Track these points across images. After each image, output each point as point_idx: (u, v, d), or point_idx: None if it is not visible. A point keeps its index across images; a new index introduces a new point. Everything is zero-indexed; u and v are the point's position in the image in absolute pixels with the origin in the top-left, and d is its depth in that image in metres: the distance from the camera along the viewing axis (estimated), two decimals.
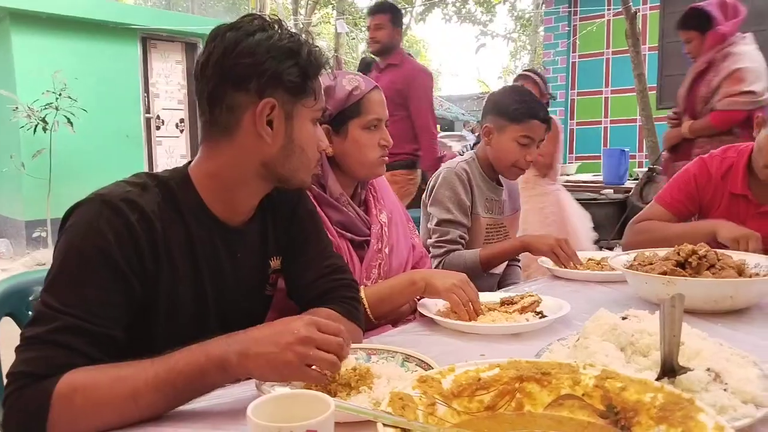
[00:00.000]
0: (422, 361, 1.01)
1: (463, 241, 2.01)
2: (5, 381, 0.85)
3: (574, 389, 0.79)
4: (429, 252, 1.98)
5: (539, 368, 0.82)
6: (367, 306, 1.39)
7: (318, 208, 1.41)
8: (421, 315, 1.41)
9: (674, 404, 0.70)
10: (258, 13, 1.08)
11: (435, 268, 1.93)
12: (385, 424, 0.66)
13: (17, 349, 0.87)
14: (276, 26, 1.05)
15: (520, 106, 2.02)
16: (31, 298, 1.27)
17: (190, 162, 1.10)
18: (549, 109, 2.43)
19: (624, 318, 1.00)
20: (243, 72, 1.01)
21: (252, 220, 1.14)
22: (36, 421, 0.81)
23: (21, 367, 0.84)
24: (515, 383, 0.81)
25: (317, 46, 1.08)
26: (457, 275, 1.42)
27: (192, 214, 1.04)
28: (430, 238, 2.03)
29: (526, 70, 4.00)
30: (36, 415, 0.81)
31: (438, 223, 2.02)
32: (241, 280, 1.11)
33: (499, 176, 2.16)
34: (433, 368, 0.91)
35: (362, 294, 1.38)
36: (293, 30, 1.08)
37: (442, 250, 1.98)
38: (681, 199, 1.98)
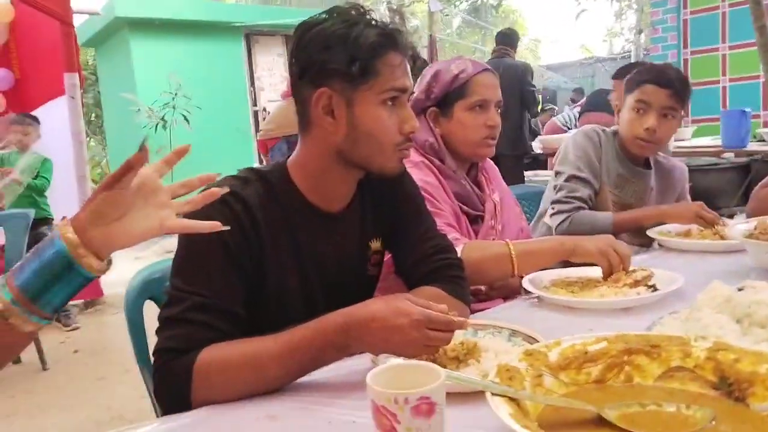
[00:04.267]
0: (529, 336, 1.03)
1: (591, 202, 1.92)
2: (152, 358, 0.98)
3: (684, 361, 0.79)
4: (552, 209, 1.92)
5: (648, 341, 0.82)
6: (514, 256, 1.40)
7: (439, 180, 1.52)
8: (527, 291, 1.42)
9: None
10: (347, 4, 1.09)
11: (559, 225, 1.87)
12: (493, 393, 0.70)
13: (157, 331, 0.99)
14: (358, 14, 1.06)
15: (637, 75, 1.93)
16: (167, 283, 1.41)
17: (288, 156, 1.17)
18: None
19: (740, 289, 0.97)
20: (302, 65, 1.07)
21: (351, 205, 1.19)
22: (181, 392, 0.92)
23: (164, 344, 0.96)
24: (623, 356, 0.82)
25: (375, 25, 1.06)
26: (606, 238, 1.40)
27: (290, 204, 1.11)
28: (556, 195, 1.94)
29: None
30: (181, 387, 0.92)
31: (567, 179, 1.93)
32: (343, 263, 1.17)
33: (650, 160, 2.05)
34: (539, 342, 0.92)
35: (510, 246, 1.41)
36: (385, 15, 1.11)
37: (571, 206, 1.87)
38: None
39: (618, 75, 4.51)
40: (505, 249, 1.42)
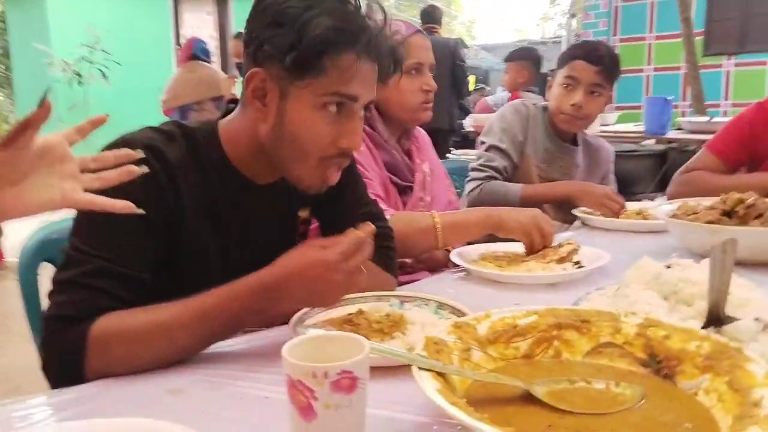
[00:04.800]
0: (456, 309, 1.00)
1: (506, 174, 1.95)
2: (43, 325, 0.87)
3: (614, 337, 0.77)
4: (468, 177, 1.95)
5: (578, 316, 0.80)
6: (440, 229, 1.37)
7: (369, 149, 1.45)
8: (455, 264, 1.40)
9: (721, 353, 0.68)
10: None
11: (471, 192, 1.90)
12: (420, 368, 0.65)
13: (50, 294, 0.88)
14: None
15: (568, 49, 1.96)
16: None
17: (220, 117, 1.06)
18: None
19: (667, 267, 0.97)
20: (247, 35, 0.96)
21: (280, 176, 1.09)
22: (73, 364, 0.82)
23: (55, 311, 0.85)
24: (553, 330, 0.80)
25: (338, 14, 0.90)
26: (531, 212, 1.39)
27: (215, 170, 1.00)
28: (474, 163, 1.98)
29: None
30: (73, 359, 0.82)
31: (487, 149, 1.97)
32: (269, 234, 1.08)
33: (578, 138, 2.07)
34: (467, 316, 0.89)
35: (436, 218, 1.37)
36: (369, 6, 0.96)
37: (484, 174, 1.91)
38: (733, 146, 1.88)
39: (509, 58, 4.81)
40: (430, 221, 1.38)
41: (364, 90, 0.95)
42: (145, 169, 0.78)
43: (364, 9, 0.95)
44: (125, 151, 0.78)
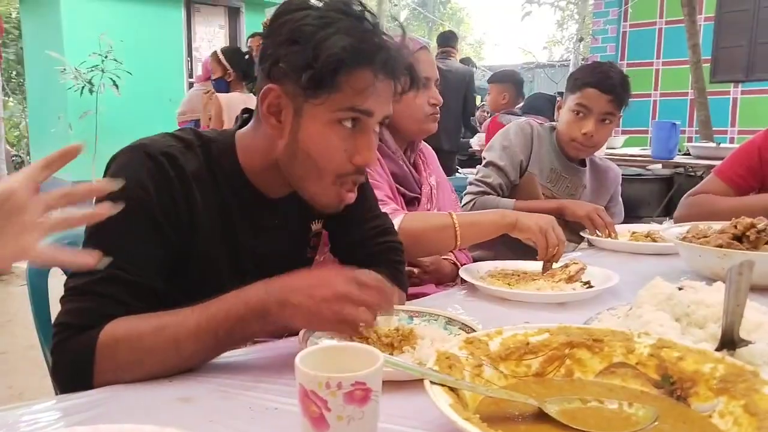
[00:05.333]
0: (465, 324, 0.99)
1: (502, 191, 1.97)
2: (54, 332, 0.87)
3: (627, 357, 0.77)
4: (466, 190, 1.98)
5: (591, 334, 0.80)
6: (457, 227, 1.38)
7: (378, 159, 1.45)
8: (463, 281, 1.39)
9: (736, 376, 0.67)
10: None
11: (464, 206, 1.93)
12: (432, 382, 0.65)
13: (61, 300, 0.88)
14: (335, 8, 0.91)
15: (581, 75, 1.95)
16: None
17: (243, 125, 1.05)
18: None
19: (680, 288, 0.96)
20: (263, 50, 0.95)
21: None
22: (82, 370, 0.82)
23: (65, 318, 0.85)
24: (565, 349, 0.79)
25: (354, 33, 0.89)
26: (545, 217, 1.39)
27: (229, 182, 1.00)
28: (472, 177, 2.01)
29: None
30: (82, 365, 0.82)
31: (485, 165, 2.00)
32: (280, 246, 1.08)
33: (586, 159, 2.07)
34: (476, 332, 0.88)
35: (453, 218, 1.39)
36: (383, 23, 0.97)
37: (478, 189, 1.95)
38: (742, 172, 1.86)
39: (491, 80, 4.99)
40: (448, 219, 1.39)
41: (380, 106, 0.94)
42: (118, 207, 0.73)
43: (383, 26, 0.96)
44: (99, 186, 0.74)
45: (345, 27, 0.89)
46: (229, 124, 4.05)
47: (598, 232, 1.81)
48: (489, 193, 1.94)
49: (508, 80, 5.02)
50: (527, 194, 1.99)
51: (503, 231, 1.41)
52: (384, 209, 1.32)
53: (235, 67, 4.16)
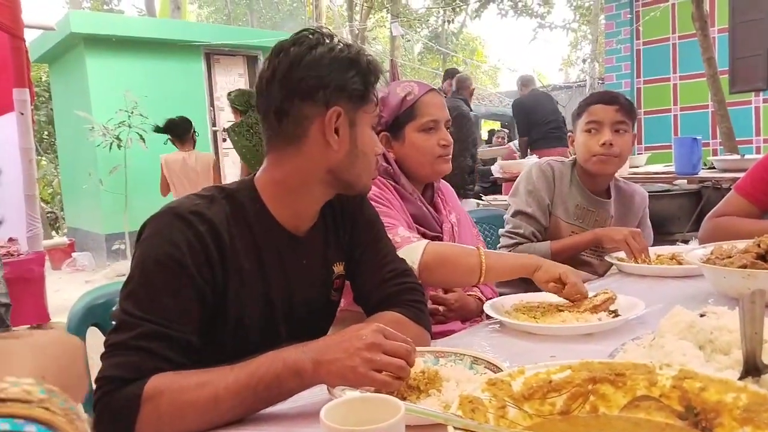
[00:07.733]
0: (491, 363, 1.00)
1: (536, 239, 1.96)
2: (94, 386, 0.90)
3: (650, 390, 0.77)
4: (500, 242, 1.98)
5: (613, 369, 0.80)
6: (482, 253, 1.41)
7: (397, 201, 1.52)
8: (488, 317, 1.40)
9: (760, 405, 0.67)
10: (313, 27, 1.13)
11: None
12: (455, 428, 0.66)
13: (103, 356, 0.92)
14: (333, 39, 1.09)
15: (583, 101, 1.99)
16: (114, 308, 1.34)
17: (255, 174, 1.14)
18: None
19: (702, 315, 0.96)
20: (310, 84, 1.04)
21: (315, 227, 1.16)
22: (125, 423, 0.85)
23: (109, 372, 0.89)
24: (588, 385, 0.79)
25: (370, 55, 1.13)
26: (565, 266, 1.40)
27: (258, 223, 1.07)
28: (504, 228, 2.01)
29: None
30: (125, 418, 0.85)
31: (513, 214, 1.99)
32: (307, 287, 1.14)
33: (611, 187, 2.07)
34: (502, 371, 0.90)
35: (480, 252, 1.41)
36: (348, 38, 1.13)
37: (512, 242, 1.95)
38: (762, 188, 1.82)
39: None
40: (473, 248, 1.43)
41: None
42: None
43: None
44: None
45: (359, 49, 1.11)
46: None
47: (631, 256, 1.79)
48: (523, 243, 1.94)
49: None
50: (554, 238, 1.99)
51: (523, 275, 1.42)
52: (409, 236, 1.39)
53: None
